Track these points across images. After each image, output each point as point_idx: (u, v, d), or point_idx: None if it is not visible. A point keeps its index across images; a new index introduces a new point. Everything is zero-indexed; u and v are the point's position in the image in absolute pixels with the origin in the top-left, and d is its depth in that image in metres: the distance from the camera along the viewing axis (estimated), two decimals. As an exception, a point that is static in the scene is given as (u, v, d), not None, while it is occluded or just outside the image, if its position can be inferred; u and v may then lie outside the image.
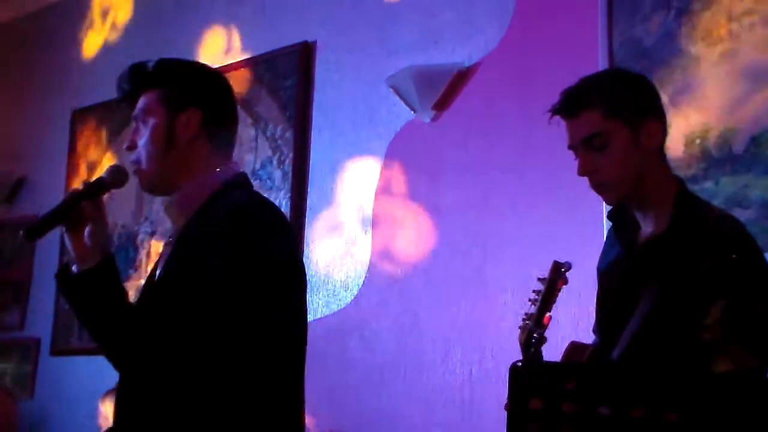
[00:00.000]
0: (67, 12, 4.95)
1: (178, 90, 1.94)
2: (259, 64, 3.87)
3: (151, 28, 4.47)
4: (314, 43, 3.76)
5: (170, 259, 1.89)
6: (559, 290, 1.94)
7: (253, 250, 1.77)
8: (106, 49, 4.68)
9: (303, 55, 3.75)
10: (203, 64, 2.10)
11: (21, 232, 1.85)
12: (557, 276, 1.95)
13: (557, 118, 1.92)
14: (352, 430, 3.26)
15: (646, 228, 1.88)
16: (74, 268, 1.87)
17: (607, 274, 1.99)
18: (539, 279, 1.96)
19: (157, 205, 4.15)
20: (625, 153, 1.83)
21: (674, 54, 2.73)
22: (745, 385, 1.44)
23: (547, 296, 1.94)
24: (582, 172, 1.87)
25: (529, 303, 1.96)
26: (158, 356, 1.77)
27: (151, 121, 1.92)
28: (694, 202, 1.89)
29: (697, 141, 2.64)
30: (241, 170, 2.02)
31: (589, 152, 1.85)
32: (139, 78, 1.96)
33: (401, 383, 3.17)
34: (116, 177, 1.92)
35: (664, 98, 2.68)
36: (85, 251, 1.85)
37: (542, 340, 1.92)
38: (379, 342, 3.28)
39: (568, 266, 1.94)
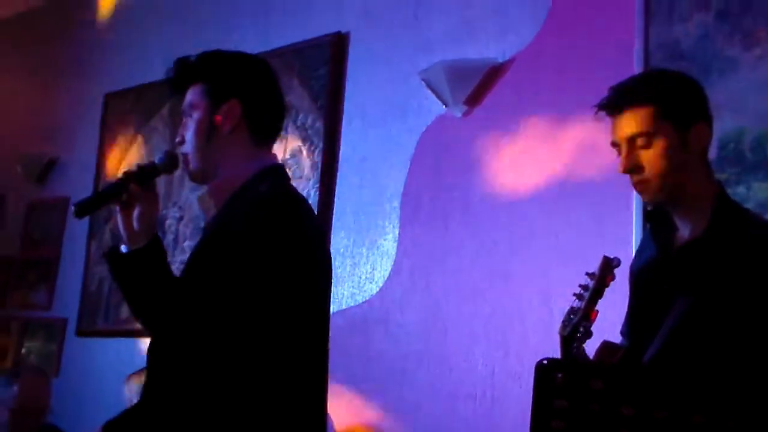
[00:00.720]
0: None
1: (219, 82, 1.98)
2: (292, 53, 3.88)
3: (184, 14, 4.49)
4: (348, 33, 3.77)
5: (196, 251, 1.93)
6: (608, 286, 1.92)
7: (269, 248, 1.79)
8: (138, 33, 4.71)
9: (336, 46, 3.75)
10: (246, 54, 2.10)
11: (72, 208, 1.91)
12: (607, 272, 1.92)
13: (595, 113, 1.91)
14: (374, 422, 3.27)
15: (684, 231, 1.87)
16: (123, 247, 1.91)
17: (640, 275, 1.97)
18: (587, 274, 1.92)
19: (186, 191, 4.18)
20: (671, 154, 1.82)
21: (711, 56, 2.71)
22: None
23: (596, 291, 1.89)
24: (626, 169, 1.86)
25: (574, 298, 1.92)
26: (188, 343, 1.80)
27: (196, 115, 1.97)
28: (734, 207, 1.88)
29: (732, 145, 2.62)
30: (278, 162, 2.04)
31: (635, 150, 1.84)
32: (183, 72, 2.01)
33: (424, 377, 3.18)
34: (168, 163, 1.98)
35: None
36: (132, 231, 1.90)
37: (588, 334, 1.89)
38: (404, 335, 3.28)
39: (618, 262, 1.91)
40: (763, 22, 2.63)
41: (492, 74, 3.23)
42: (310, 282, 1.88)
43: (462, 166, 3.28)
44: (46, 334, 4.66)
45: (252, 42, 4.10)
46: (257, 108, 1.99)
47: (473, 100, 3.26)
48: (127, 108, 4.63)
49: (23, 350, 4.75)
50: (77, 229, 4.64)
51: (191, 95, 1.99)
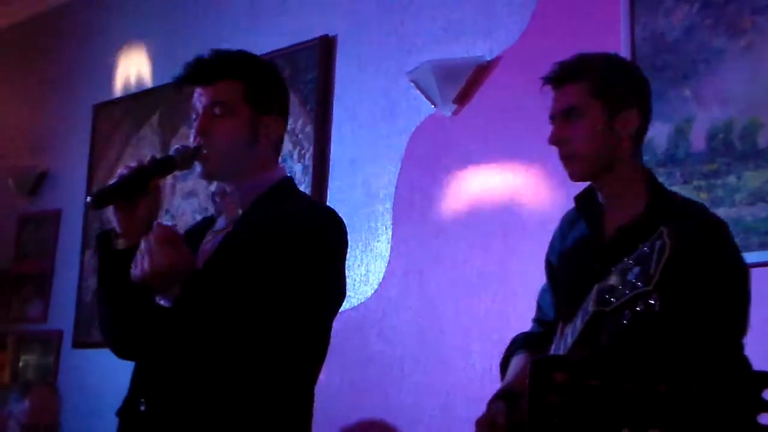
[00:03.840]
0: (89, 6, 4.98)
1: (262, 91, 1.95)
2: (280, 58, 3.87)
3: (171, 22, 4.49)
4: (335, 37, 3.76)
5: (228, 245, 1.89)
6: None
7: (329, 254, 1.89)
8: (125, 42, 4.70)
9: (324, 49, 3.75)
10: (274, 65, 2.12)
11: (88, 199, 1.83)
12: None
13: (541, 87, 1.99)
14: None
15: (615, 213, 1.89)
16: (119, 243, 1.85)
17: (568, 256, 1.99)
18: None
19: (178, 199, 4.17)
20: (596, 131, 1.86)
21: (698, 47, 2.71)
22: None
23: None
24: (552, 140, 1.92)
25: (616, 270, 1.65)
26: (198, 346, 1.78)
27: (234, 116, 1.91)
28: (666, 190, 1.94)
29: (721, 135, 2.62)
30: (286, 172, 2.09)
31: (564, 123, 1.90)
32: (223, 64, 1.94)
33: (421, 377, 3.18)
34: (186, 159, 1.90)
35: (688, 92, 2.69)
36: (133, 227, 1.84)
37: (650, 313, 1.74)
38: (400, 336, 3.28)
39: None
40: (748, 11, 2.63)
41: (480, 72, 3.23)
42: (339, 302, 1.98)
43: (453, 165, 3.27)
44: (42, 347, 4.65)
45: (241, 48, 4.09)
46: (286, 124, 2.04)
47: (462, 98, 3.26)
48: (117, 118, 4.62)
49: (20, 364, 4.74)
50: (70, 241, 4.63)
51: (226, 92, 1.91)
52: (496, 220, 3.11)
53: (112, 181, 1.85)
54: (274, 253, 1.79)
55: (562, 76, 1.93)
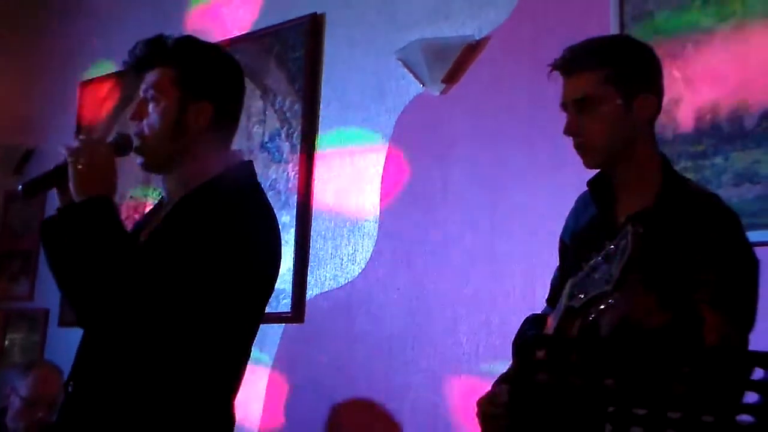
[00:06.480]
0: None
1: (194, 76, 1.93)
2: (268, 36, 3.85)
3: (160, 1, 4.45)
4: (323, 15, 3.74)
5: (159, 231, 1.91)
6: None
7: (236, 249, 1.83)
8: (113, 19, 4.66)
9: (312, 28, 3.73)
10: (223, 51, 2.07)
11: (19, 188, 1.88)
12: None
13: (549, 72, 1.91)
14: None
15: (627, 200, 1.87)
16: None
17: (579, 239, 1.96)
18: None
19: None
20: (612, 120, 1.82)
21: (687, 28, 2.70)
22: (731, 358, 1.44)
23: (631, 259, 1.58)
24: (567, 131, 1.87)
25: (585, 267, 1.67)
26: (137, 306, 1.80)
27: (163, 101, 1.91)
28: (680, 178, 1.89)
29: (708, 116, 2.62)
30: (243, 158, 2.05)
31: (579, 113, 1.84)
32: (156, 51, 1.94)
33: (408, 357, 3.18)
34: (121, 144, 1.92)
35: (676, 73, 2.69)
36: None
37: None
38: (387, 315, 3.28)
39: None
40: (738, -8, 2.63)
41: (469, 51, 3.22)
42: (259, 290, 1.93)
43: (442, 144, 3.27)
44: (29, 325, 4.63)
45: (228, 26, 4.07)
46: (226, 113, 1.98)
47: (451, 78, 3.25)
48: (103, 96, 4.59)
49: (6, 342, 4.73)
50: (57, 219, 4.61)
51: (159, 76, 1.92)
52: (484, 199, 3.11)
53: (45, 170, 1.91)
54: (193, 247, 1.80)
55: (573, 64, 1.85)
